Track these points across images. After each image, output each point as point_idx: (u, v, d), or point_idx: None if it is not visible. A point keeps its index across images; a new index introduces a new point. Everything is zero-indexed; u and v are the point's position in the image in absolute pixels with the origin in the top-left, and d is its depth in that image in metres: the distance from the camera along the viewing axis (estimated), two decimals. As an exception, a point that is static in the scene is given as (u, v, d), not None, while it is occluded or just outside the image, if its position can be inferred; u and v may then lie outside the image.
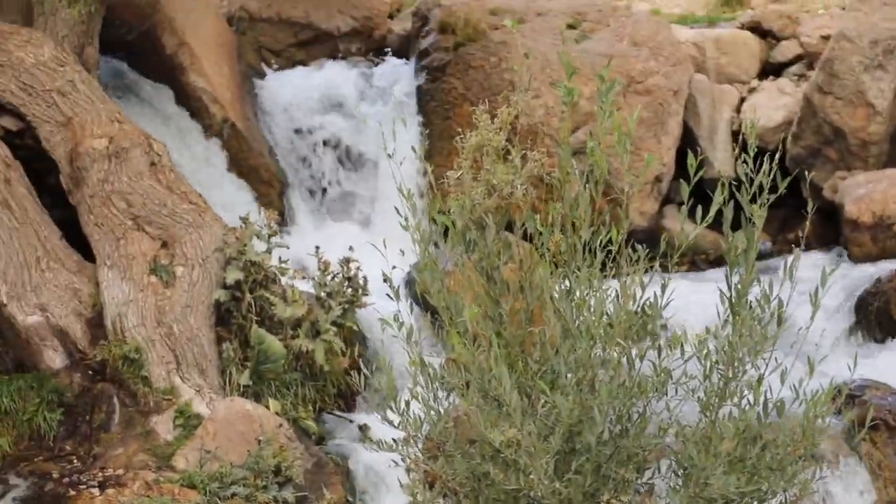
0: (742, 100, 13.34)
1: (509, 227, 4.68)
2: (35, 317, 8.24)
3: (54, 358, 8.19)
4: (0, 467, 7.71)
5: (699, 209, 4.46)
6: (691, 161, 4.47)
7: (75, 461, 7.72)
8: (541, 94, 11.84)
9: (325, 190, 12.84)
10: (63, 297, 8.37)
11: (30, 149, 9.12)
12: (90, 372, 8.12)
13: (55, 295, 8.36)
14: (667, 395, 4.59)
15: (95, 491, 7.23)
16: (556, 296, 4.55)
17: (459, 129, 4.74)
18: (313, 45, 14.03)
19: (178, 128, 11.89)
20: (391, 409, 4.75)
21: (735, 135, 12.79)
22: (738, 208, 4.40)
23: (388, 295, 4.97)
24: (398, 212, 4.77)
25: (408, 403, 4.76)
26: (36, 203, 8.72)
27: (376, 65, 13.75)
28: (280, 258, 8.93)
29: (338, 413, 8.84)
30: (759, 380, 4.43)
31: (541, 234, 4.55)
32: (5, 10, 10.23)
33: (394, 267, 5.04)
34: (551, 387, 4.38)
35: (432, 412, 4.77)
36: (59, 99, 9.11)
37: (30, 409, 7.88)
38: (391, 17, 14.51)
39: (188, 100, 12.07)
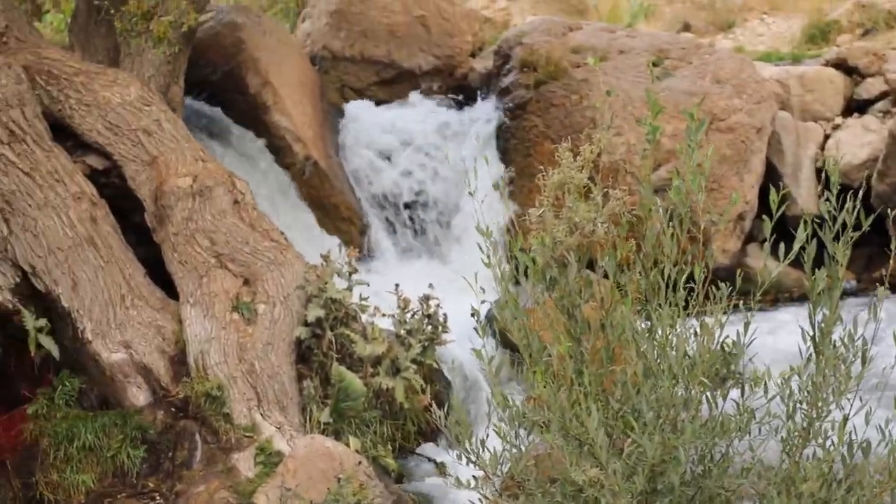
0: (826, 137, 13.21)
1: (590, 265, 4.65)
2: (119, 354, 8.33)
3: (138, 395, 8.25)
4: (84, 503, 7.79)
5: (782, 247, 4.40)
6: (774, 198, 4.41)
7: (158, 498, 7.76)
8: (622, 132, 11.79)
9: (405, 227, 12.87)
10: (147, 335, 8.44)
11: (115, 187, 9.23)
12: (173, 409, 8.17)
13: (139, 332, 8.44)
14: (749, 435, 4.52)
15: (178, 527, 7.28)
16: (638, 334, 4.51)
17: (540, 167, 4.73)
18: (395, 83, 14.12)
19: (261, 166, 11.99)
20: (466, 448, 4.72)
21: (819, 172, 12.66)
22: (822, 246, 4.34)
23: (475, 328, 4.96)
24: (479, 249, 4.76)
25: (483, 442, 4.73)
26: (121, 241, 8.82)
27: (458, 103, 13.79)
28: (360, 295, 8.95)
29: (418, 451, 8.82)
30: (844, 420, 4.35)
31: (622, 272, 4.52)
32: (92, 51, 10.40)
33: (483, 302, 5.03)
34: (633, 426, 4.33)
35: (513, 450, 4.74)
36: (144, 138, 9.22)
37: (114, 445, 7.94)
38: (473, 55, 14.55)
39: (271, 138, 12.18)
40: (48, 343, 8.41)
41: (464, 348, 4.83)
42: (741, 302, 4.54)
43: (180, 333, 8.48)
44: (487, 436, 4.77)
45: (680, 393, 4.44)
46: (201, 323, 8.42)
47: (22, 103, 8.83)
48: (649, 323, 4.52)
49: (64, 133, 9.22)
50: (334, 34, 14.12)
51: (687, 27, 17.16)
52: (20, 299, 8.53)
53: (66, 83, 9.29)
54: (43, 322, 8.45)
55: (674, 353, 4.40)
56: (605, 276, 4.57)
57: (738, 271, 4.88)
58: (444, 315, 8.96)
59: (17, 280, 8.57)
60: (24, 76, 9.02)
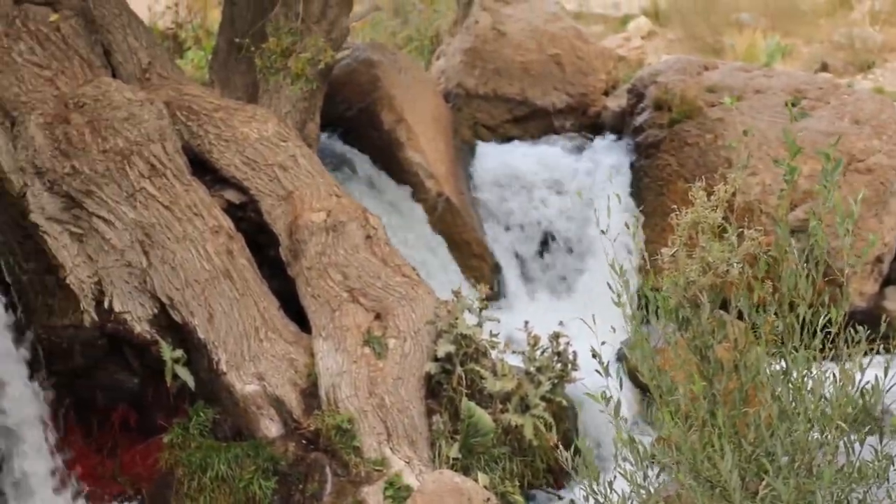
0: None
1: (724, 305, 4.60)
2: (253, 386, 8.43)
3: (270, 427, 8.34)
4: (217, 535, 7.91)
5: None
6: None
7: (288, 529, 7.84)
8: (758, 172, 11.66)
9: (535, 265, 12.86)
10: (280, 367, 8.54)
11: (251, 221, 9.37)
12: (304, 441, 8.24)
13: (272, 364, 8.54)
14: (888, 482, 4.43)
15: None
16: (773, 376, 4.45)
17: (673, 206, 4.71)
18: (528, 121, 14.15)
19: (394, 202, 12.08)
20: (593, 489, 4.70)
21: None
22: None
23: (597, 371, 4.93)
24: (610, 288, 4.74)
25: (610, 483, 4.70)
26: (256, 274, 8.95)
27: (591, 141, 13.77)
28: (491, 332, 8.95)
29: (546, 489, 8.78)
30: None
31: (757, 313, 4.46)
32: (232, 88, 10.61)
33: (603, 343, 5.01)
34: (767, 469, 4.27)
35: (642, 491, 4.70)
36: (280, 173, 9.35)
37: (246, 476, 8.03)
38: (606, 93, 14.51)
39: (404, 174, 12.27)
40: (184, 374, 8.56)
41: (596, 386, 4.80)
42: (880, 346, 4.46)
43: (312, 366, 8.55)
44: (615, 476, 4.74)
45: (816, 437, 4.37)
46: (333, 356, 8.48)
47: (163, 138, 9.04)
48: (784, 365, 4.46)
49: (203, 167, 9.40)
50: (468, 72, 14.21)
51: (825, 67, 16.91)
52: (158, 330, 8.71)
53: (205, 119, 9.48)
54: (179, 353, 8.61)
55: (810, 396, 4.34)
56: (740, 316, 4.52)
57: (884, 315, 4.79)
58: (574, 353, 8.92)
59: (156, 311, 8.75)
60: (166, 112, 9.24)
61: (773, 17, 18.65)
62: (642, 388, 9.33)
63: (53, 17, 9.43)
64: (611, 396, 4.71)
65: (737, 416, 4.57)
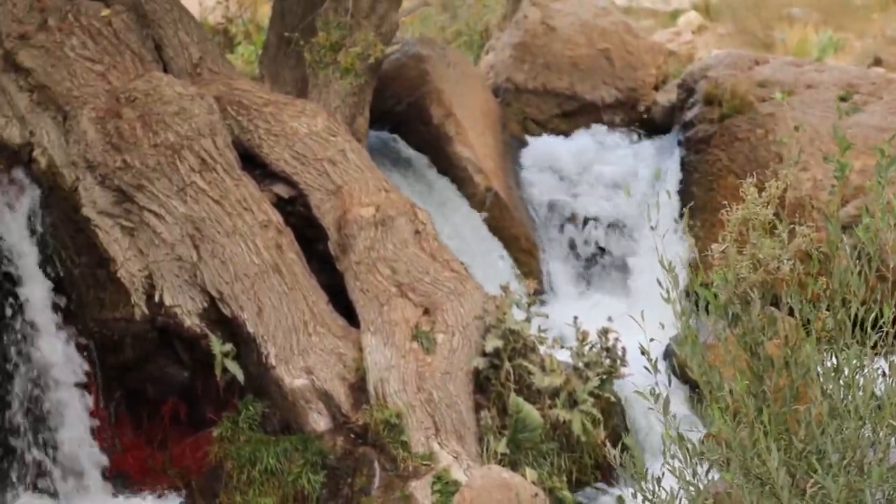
0: None
1: (774, 301, 4.57)
2: (301, 380, 8.46)
3: (319, 420, 8.37)
4: (264, 528, 7.94)
5: (976, 287, 4.26)
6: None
7: (337, 523, 7.87)
8: (809, 167, 11.58)
9: (584, 260, 12.83)
10: (328, 361, 8.56)
11: (301, 216, 9.41)
12: (352, 435, 8.26)
13: (321, 359, 8.56)
14: (940, 480, 4.38)
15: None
16: (824, 373, 4.41)
17: (724, 202, 4.67)
18: (577, 115, 14.11)
19: (442, 196, 12.08)
20: (641, 485, 4.67)
21: None
22: None
23: (645, 367, 4.90)
24: (659, 284, 4.71)
25: (658, 480, 4.68)
26: (305, 269, 8.98)
27: (640, 136, 13.72)
28: (539, 327, 8.94)
29: (594, 485, 8.75)
30: None
31: (808, 309, 4.43)
32: (281, 82, 10.65)
33: (652, 339, 4.98)
34: (816, 468, 4.24)
35: (690, 488, 4.67)
36: (329, 168, 9.37)
37: (294, 470, 8.06)
38: (656, 88, 14.45)
39: (452, 169, 12.28)
40: (234, 367, 8.61)
41: (644, 382, 4.77)
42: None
43: (360, 361, 8.56)
44: (664, 473, 4.71)
45: (867, 435, 4.33)
46: (381, 351, 8.50)
47: (213, 133, 9.08)
48: (835, 362, 4.42)
49: (252, 162, 9.45)
50: (518, 66, 14.20)
51: (878, 62, 16.74)
52: (207, 324, 8.76)
53: (255, 113, 9.52)
54: (229, 347, 8.66)
55: (861, 393, 4.30)
56: (790, 313, 4.48)
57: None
58: (623, 348, 8.89)
59: (205, 305, 8.80)
60: (216, 106, 9.28)
61: (824, 11, 18.51)
62: (691, 385, 9.30)
63: (105, 11, 9.50)
64: (659, 393, 4.69)
65: (787, 414, 4.53)
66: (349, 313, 8.94)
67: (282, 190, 9.48)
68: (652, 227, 4.75)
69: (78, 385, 8.79)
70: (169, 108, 9.00)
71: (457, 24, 16.97)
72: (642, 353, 4.91)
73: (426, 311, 8.79)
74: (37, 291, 8.77)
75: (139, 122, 8.93)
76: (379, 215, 9.11)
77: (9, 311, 8.61)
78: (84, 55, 9.29)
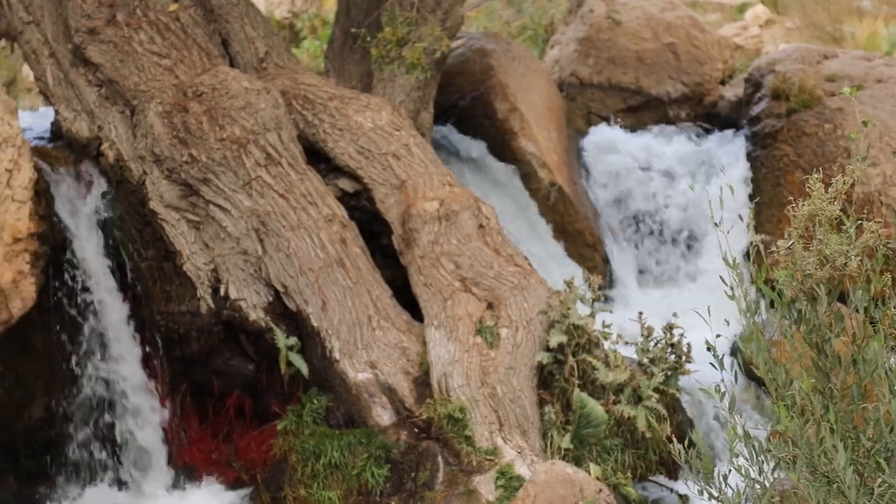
0: None
1: (841, 298, 4.53)
2: (365, 374, 8.49)
3: (382, 414, 8.40)
4: (328, 520, 7.99)
5: None
6: None
7: (400, 517, 7.89)
8: (878, 163, 11.46)
9: (648, 256, 12.78)
10: (392, 356, 8.59)
11: (365, 210, 9.44)
12: (416, 430, 8.28)
13: (385, 353, 8.59)
14: None
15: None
16: (892, 371, 4.37)
17: (790, 197, 4.64)
18: (642, 110, 14.06)
19: (506, 190, 12.08)
20: (707, 483, 4.65)
21: None
22: None
23: (711, 364, 4.88)
24: (723, 280, 4.69)
25: (725, 478, 4.65)
26: (369, 263, 9.01)
27: (706, 131, 13.65)
28: (603, 322, 8.91)
29: (659, 481, 8.72)
30: None
31: (876, 306, 4.38)
32: (346, 77, 10.68)
33: (718, 335, 4.95)
34: (886, 465, 4.20)
35: (756, 486, 4.65)
36: (393, 162, 9.40)
37: (358, 463, 8.09)
38: (723, 82, 14.36)
39: (516, 163, 12.27)
40: (298, 361, 8.65)
41: (710, 379, 4.74)
42: None
43: (424, 355, 8.58)
44: (730, 470, 4.69)
45: (935, 433, 4.29)
46: (445, 345, 8.51)
47: (279, 127, 9.14)
48: (903, 360, 4.37)
49: (317, 156, 9.50)
50: (582, 61, 14.16)
51: (950, 55, 16.54)
52: (272, 317, 8.82)
53: (320, 108, 9.56)
54: (293, 340, 8.70)
55: (929, 392, 4.25)
56: (858, 310, 4.44)
57: None
58: (688, 344, 8.85)
59: (270, 299, 8.86)
60: (282, 101, 9.34)
61: (894, 4, 18.29)
62: (757, 382, 9.24)
63: (173, 6, 9.58)
64: (725, 391, 4.66)
65: (854, 412, 4.49)
66: (413, 307, 8.96)
67: (346, 184, 9.51)
68: (716, 223, 4.73)
69: (145, 377, 8.89)
70: (235, 102, 9.07)
71: (521, 19, 16.94)
72: (708, 349, 4.88)
73: (490, 306, 8.79)
74: (103, 284, 8.88)
75: (206, 117, 9.00)
76: (443, 210, 9.12)
77: (77, 302, 8.72)
78: (152, 50, 9.37)
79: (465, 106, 12.58)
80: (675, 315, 9.00)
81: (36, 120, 10.63)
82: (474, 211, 9.25)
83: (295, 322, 8.81)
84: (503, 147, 12.34)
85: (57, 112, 9.68)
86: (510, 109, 12.39)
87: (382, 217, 9.34)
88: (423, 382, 8.50)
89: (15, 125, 8.38)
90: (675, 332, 8.91)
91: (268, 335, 8.77)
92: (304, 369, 8.64)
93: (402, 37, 9.72)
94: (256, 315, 8.82)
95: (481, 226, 9.21)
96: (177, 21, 9.56)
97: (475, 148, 12.31)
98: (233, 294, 8.86)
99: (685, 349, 8.87)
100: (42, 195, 8.57)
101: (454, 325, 8.59)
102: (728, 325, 5.26)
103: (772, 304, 4.62)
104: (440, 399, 8.25)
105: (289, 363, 8.65)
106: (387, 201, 9.33)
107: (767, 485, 4.65)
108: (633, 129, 13.77)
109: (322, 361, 8.63)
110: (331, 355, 8.57)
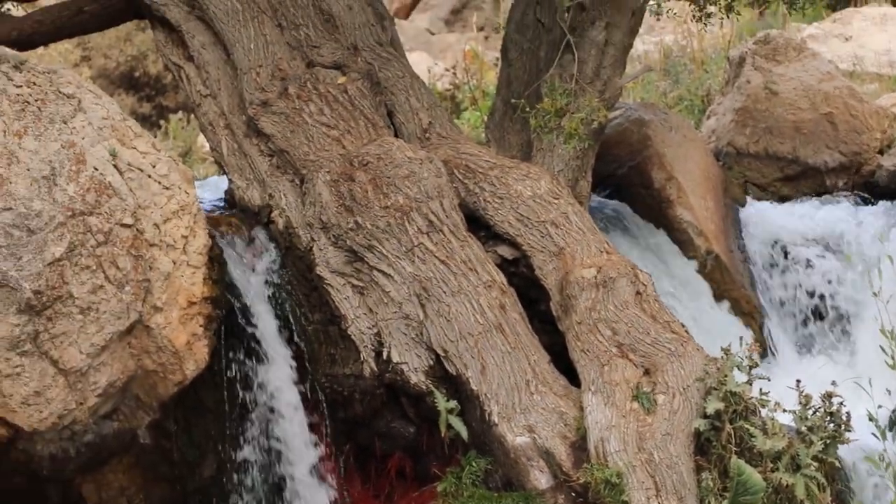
0: None
1: None
2: (523, 437, 8.58)
3: (540, 478, 8.46)
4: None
5: None
6: None
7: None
8: None
9: (806, 324, 12.70)
10: (550, 420, 8.66)
11: (523, 276, 9.57)
12: (573, 494, 8.31)
13: (542, 417, 8.67)
14: None
15: None
16: None
17: (952, 268, 4.69)
18: (799, 180, 14.03)
19: (662, 258, 12.14)
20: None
21: None
22: None
23: (873, 434, 4.93)
24: (883, 350, 4.75)
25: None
26: (528, 328, 9.12)
27: (864, 200, 13.55)
28: (760, 390, 8.90)
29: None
30: None
31: None
32: (506, 147, 10.90)
33: (880, 406, 5.01)
34: None
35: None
36: (552, 230, 9.53)
37: (513, 527, 8.20)
38: (881, 151, 14.26)
39: (673, 232, 12.33)
40: (458, 424, 8.78)
41: (868, 449, 4.79)
42: None
43: (581, 420, 8.63)
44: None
45: None
46: (602, 411, 8.56)
47: (441, 195, 9.36)
48: None
49: (477, 223, 9.68)
50: (739, 130, 14.20)
51: None
52: (433, 381, 8.97)
53: (481, 177, 9.77)
54: (453, 404, 8.83)
55: None
56: None
57: None
58: (848, 413, 8.78)
59: (431, 363, 9.02)
60: (444, 170, 9.58)
61: None
62: (918, 453, 9.13)
63: (342, 79, 9.93)
64: (889, 462, 4.71)
65: None
66: (570, 373, 9.04)
67: (505, 251, 9.68)
68: (874, 294, 4.81)
69: (311, 437, 9.12)
70: (399, 171, 9.33)
71: (678, 90, 17.05)
72: (870, 419, 4.94)
73: (647, 372, 8.83)
74: (272, 347, 9.16)
75: (371, 185, 9.27)
76: (600, 276, 9.21)
77: (248, 364, 9.01)
78: (321, 121, 9.72)
79: (622, 175, 12.71)
80: (833, 384, 8.95)
81: (206, 189, 11.04)
82: (631, 278, 9.31)
83: (455, 386, 8.95)
84: (659, 215, 12.42)
85: (231, 181, 10.09)
86: (667, 178, 12.49)
87: (541, 283, 9.46)
88: (579, 447, 8.55)
89: (192, 193, 8.72)
90: (835, 400, 8.85)
91: (428, 398, 8.92)
92: (464, 432, 8.76)
93: (560, 107, 9.90)
94: (417, 378, 8.99)
95: (638, 293, 9.26)
96: (345, 93, 9.90)
97: (632, 216, 12.41)
98: (395, 358, 9.05)
99: (844, 418, 8.81)
100: (215, 260, 8.88)
101: (611, 391, 8.65)
102: (889, 394, 5.30)
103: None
104: (597, 464, 8.30)
105: (449, 426, 8.76)
106: (545, 268, 9.45)
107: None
108: (790, 199, 13.74)
109: (481, 425, 8.76)
110: (489, 419, 8.68)
